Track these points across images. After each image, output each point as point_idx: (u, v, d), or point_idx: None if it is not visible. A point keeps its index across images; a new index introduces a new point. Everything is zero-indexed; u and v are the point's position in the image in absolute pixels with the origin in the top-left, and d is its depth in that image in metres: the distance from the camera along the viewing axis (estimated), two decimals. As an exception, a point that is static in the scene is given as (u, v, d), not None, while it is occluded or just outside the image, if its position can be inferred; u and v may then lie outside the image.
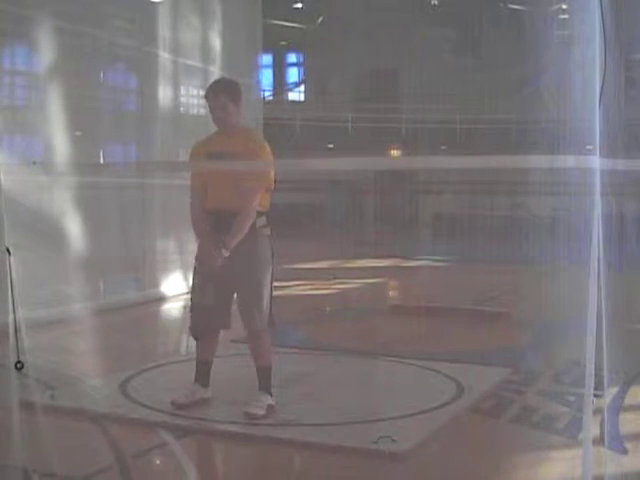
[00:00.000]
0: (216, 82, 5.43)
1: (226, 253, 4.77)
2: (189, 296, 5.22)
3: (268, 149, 5.00)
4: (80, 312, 7.32)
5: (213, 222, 4.89)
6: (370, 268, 14.40)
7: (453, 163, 3.52)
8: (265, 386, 4.99)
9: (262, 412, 4.84)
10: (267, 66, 25.52)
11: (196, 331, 5.10)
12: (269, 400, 4.94)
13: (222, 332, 5.20)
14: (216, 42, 11.03)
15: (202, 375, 5.13)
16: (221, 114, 4.97)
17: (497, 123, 20.65)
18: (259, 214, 4.93)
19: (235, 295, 5.02)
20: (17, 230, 3.65)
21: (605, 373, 3.24)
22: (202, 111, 9.16)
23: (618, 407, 5.10)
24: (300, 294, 10.78)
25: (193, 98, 11.10)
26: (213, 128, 5.15)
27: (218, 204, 4.88)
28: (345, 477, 4.23)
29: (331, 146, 21.47)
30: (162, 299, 9.64)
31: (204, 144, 5.10)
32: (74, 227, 8.12)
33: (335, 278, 12.32)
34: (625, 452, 4.31)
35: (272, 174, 4.96)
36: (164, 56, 10.03)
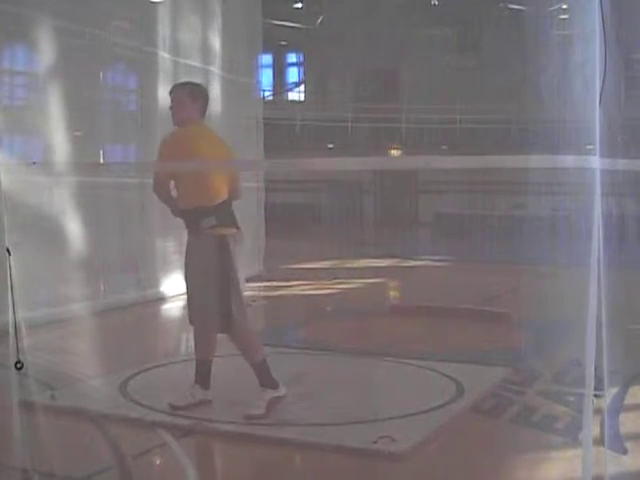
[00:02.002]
0: (182, 82, 5.54)
1: None
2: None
3: (198, 141, 4.94)
4: (80, 312, 7.31)
5: None
6: (370, 268, 14.37)
7: (453, 163, 3.52)
8: (265, 381, 4.97)
9: (261, 412, 4.83)
10: (267, 66, 25.53)
11: (191, 319, 5.15)
12: (272, 394, 4.93)
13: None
14: (216, 42, 11.01)
15: (202, 376, 5.11)
16: (176, 108, 5.07)
17: (497, 123, 20.67)
18: (205, 213, 4.88)
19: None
20: (17, 230, 3.65)
21: (605, 373, 3.23)
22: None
23: (618, 407, 5.09)
24: (300, 294, 10.77)
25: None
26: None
27: None
28: (345, 477, 4.23)
29: (331, 146, 21.48)
30: (162, 299, 9.63)
31: None
32: (74, 227, 8.11)
33: (335, 278, 12.31)
34: (625, 452, 4.31)
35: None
36: (164, 56, 10.01)
